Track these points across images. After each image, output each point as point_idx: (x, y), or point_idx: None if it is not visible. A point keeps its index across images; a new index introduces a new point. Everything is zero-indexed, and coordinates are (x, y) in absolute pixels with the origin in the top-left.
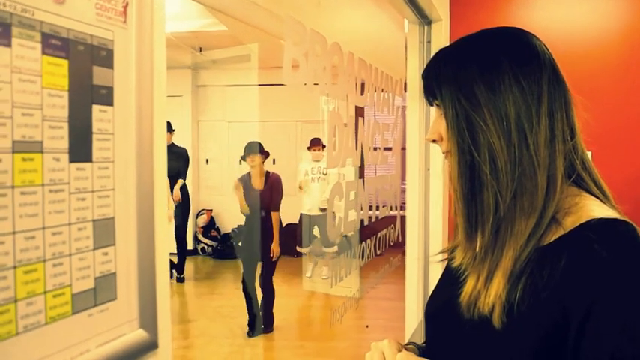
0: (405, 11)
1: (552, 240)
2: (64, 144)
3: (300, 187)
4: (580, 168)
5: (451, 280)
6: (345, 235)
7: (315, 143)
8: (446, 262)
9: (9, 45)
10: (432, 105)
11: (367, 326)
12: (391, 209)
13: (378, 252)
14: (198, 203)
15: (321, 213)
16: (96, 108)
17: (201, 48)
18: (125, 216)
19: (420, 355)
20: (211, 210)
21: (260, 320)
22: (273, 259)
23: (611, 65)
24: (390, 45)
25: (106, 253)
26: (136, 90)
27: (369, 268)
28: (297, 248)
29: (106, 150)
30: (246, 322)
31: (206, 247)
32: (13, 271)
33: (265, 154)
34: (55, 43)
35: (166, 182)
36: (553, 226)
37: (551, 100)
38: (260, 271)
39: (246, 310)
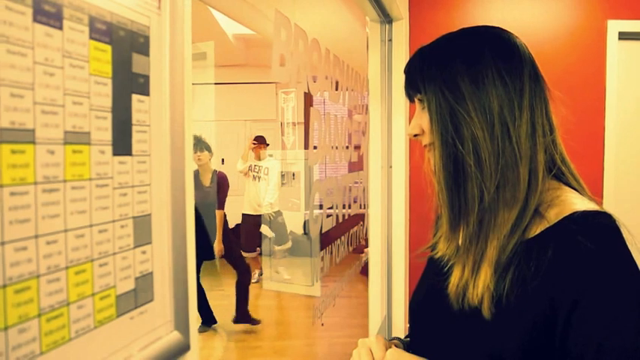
0: (368, 9)
1: (538, 232)
2: (108, 135)
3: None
4: (559, 162)
5: (435, 271)
6: (306, 233)
7: (261, 141)
8: (426, 257)
9: (61, 27)
10: (412, 101)
11: (322, 324)
12: (361, 207)
13: (341, 252)
14: None
15: (269, 212)
16: (135, 97)
17: None
18: (160, 212)
19: (405, 349)
20: None
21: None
22: (218, 257)
23: (561, 64)
24: (353, 42)
25: (144, 252)
26: (170, 79)
27: (327, 266)
28: (243, 253)
29: (144, 142)
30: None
31: None
32: (65, 272)
33: (209, 151)
34: (100, 28)
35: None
36: (537, 218)
37: (532, 95)
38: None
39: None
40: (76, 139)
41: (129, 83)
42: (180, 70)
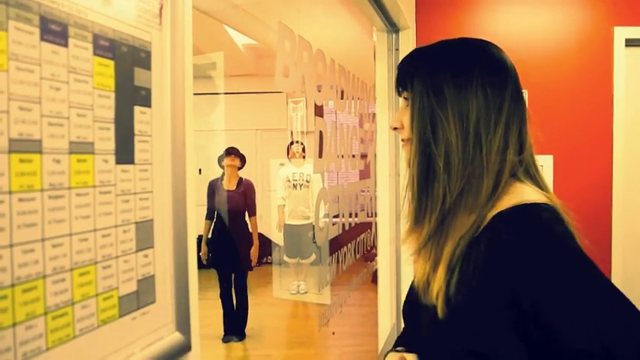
0: (375, 19)
1: (478, 233)
2: (112, 145)
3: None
4: (523, 174)
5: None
6: (314, 241)
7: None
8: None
9: (66, 45)
10: (400, 95)
11: (333, 333)
12: (368, 215)
13: (348, 259)
14: None
15: (304, 222)
16: (137, 109)
17: None
18: (162, 218)
19: (395, 343)
20: None
21: (237, 326)
22: (254, 265)
23: (568, 71)
24: (360, 52)
25: (146, 256)
26: (171, 91)
27: (338, 275)
28: (286, 258)
29: (146, 152)
30: (222, 328)
31: None
32: (70, 273)
33: (242, 159)
34: (104, 44)
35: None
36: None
37: (509, 113)
38: (235, 278)
39: (222, 317)
40: (81, 148)
41: (131, 96)
42: (181, 82)
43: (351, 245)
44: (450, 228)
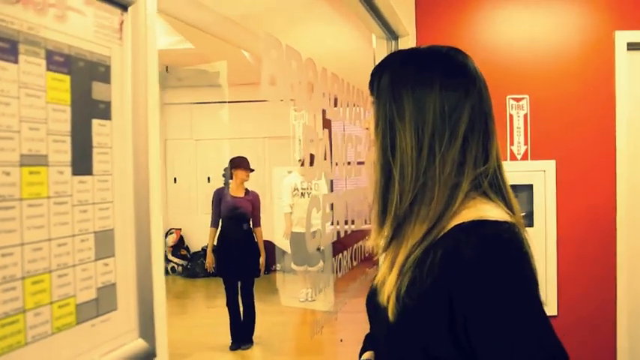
0: (373, 27)
1: (436, 239)
2: (67, 157)
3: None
4: (487, 188)
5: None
6: (319, 249)
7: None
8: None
9: (16, 61)
10: (372, 96)
11: (341, 340)
12: (365, 222)
13: (353, 265)
14: (166, 222)
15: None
16: (95, 122)
17: (167, 67)
18: (123, 227)
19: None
20: (180, 229)
21: (244, 333)
22: (262, 273)
23: (570, 75)
24: (359, 59)
25: (106, 264)
26: (132, 104)
27: (343, 282)
28: (293, 266)
29: (106, 163)
30: (229, 336)
31: (176, 266)
32: (22, 281)
33: (250, 170)
34: (58, 60)
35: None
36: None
37: (469, 127)
38: (241, 287)
39: (229, 325)
40: (33, 161)
41: (89, 109)
42: (144, 95)
43: (347, 253)
44: (406, 234)
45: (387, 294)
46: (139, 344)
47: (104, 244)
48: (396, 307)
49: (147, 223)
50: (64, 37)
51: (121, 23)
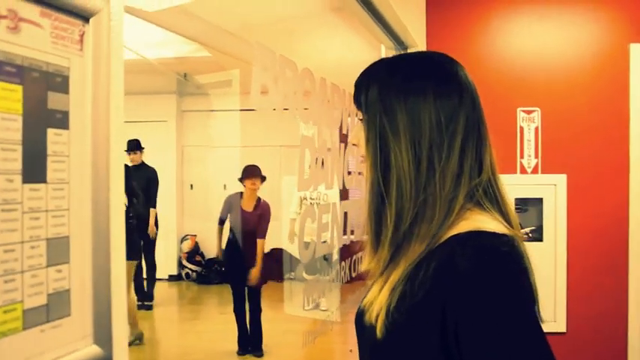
0: (381, 37)
1: (430, 252)
2: (18, 165)
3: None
4: (482, 197)
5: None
6: (325, 258)
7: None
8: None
9: None
10: (359, 110)
11: (351, 350)
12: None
13: (352, 276)
14: (182, 228)
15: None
16: (51, 131)
17: (185, 74)
18: (80, 235)
19: None
20: (195, 235)
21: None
22: (253, 285)
23: (583, 88)
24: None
25: (59, 271)
26: (92, 114)
27: (349, 290)
28: (305, 275)
29: (61, 171)
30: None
31: (190, 272)
32: None
33: (263, 179)
34: (10, 70)
35: (154, 211)
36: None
37: (465, 137)
38: (248, 294)
39: (237, 332)
40: None
41: (44, 119)
42: (106, 105)
43: (344, 264)
44: (403, 256)
45: (376, 312)
46: (93, 350)
47: (57, 250)
48: (385, 323)
49: (106, 231)
50: (16, 49)
51: (82, 34)
